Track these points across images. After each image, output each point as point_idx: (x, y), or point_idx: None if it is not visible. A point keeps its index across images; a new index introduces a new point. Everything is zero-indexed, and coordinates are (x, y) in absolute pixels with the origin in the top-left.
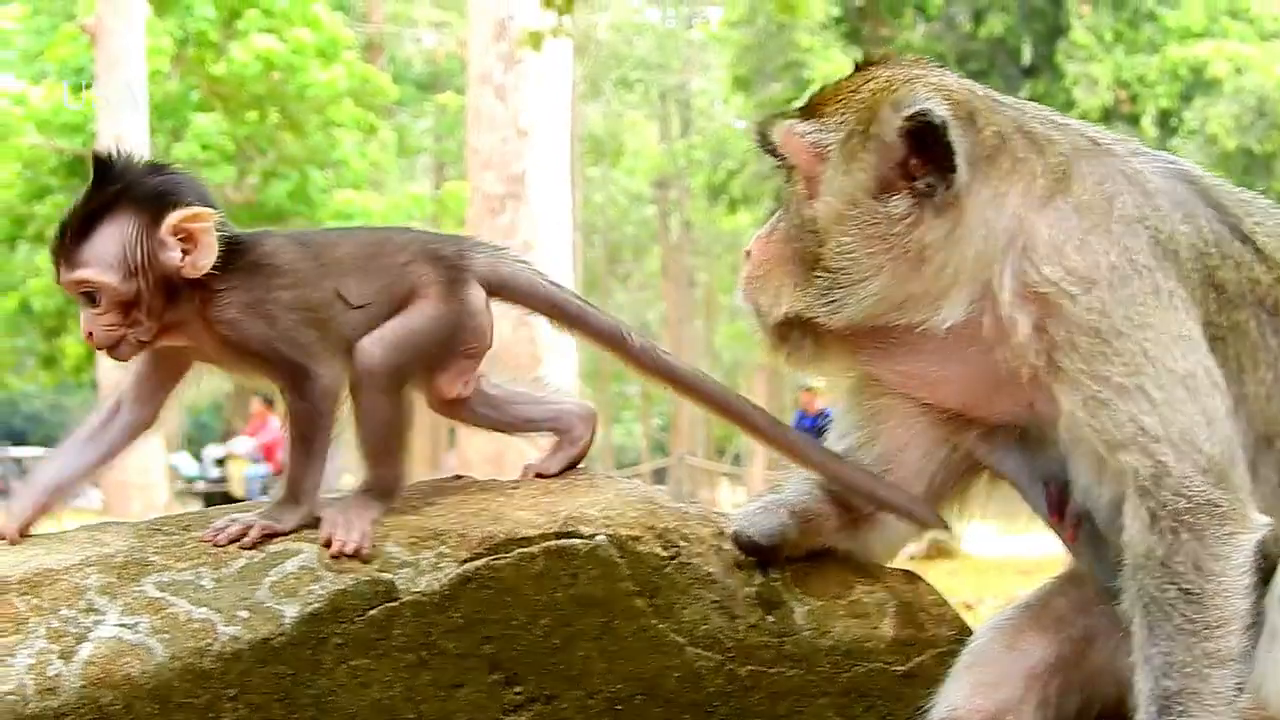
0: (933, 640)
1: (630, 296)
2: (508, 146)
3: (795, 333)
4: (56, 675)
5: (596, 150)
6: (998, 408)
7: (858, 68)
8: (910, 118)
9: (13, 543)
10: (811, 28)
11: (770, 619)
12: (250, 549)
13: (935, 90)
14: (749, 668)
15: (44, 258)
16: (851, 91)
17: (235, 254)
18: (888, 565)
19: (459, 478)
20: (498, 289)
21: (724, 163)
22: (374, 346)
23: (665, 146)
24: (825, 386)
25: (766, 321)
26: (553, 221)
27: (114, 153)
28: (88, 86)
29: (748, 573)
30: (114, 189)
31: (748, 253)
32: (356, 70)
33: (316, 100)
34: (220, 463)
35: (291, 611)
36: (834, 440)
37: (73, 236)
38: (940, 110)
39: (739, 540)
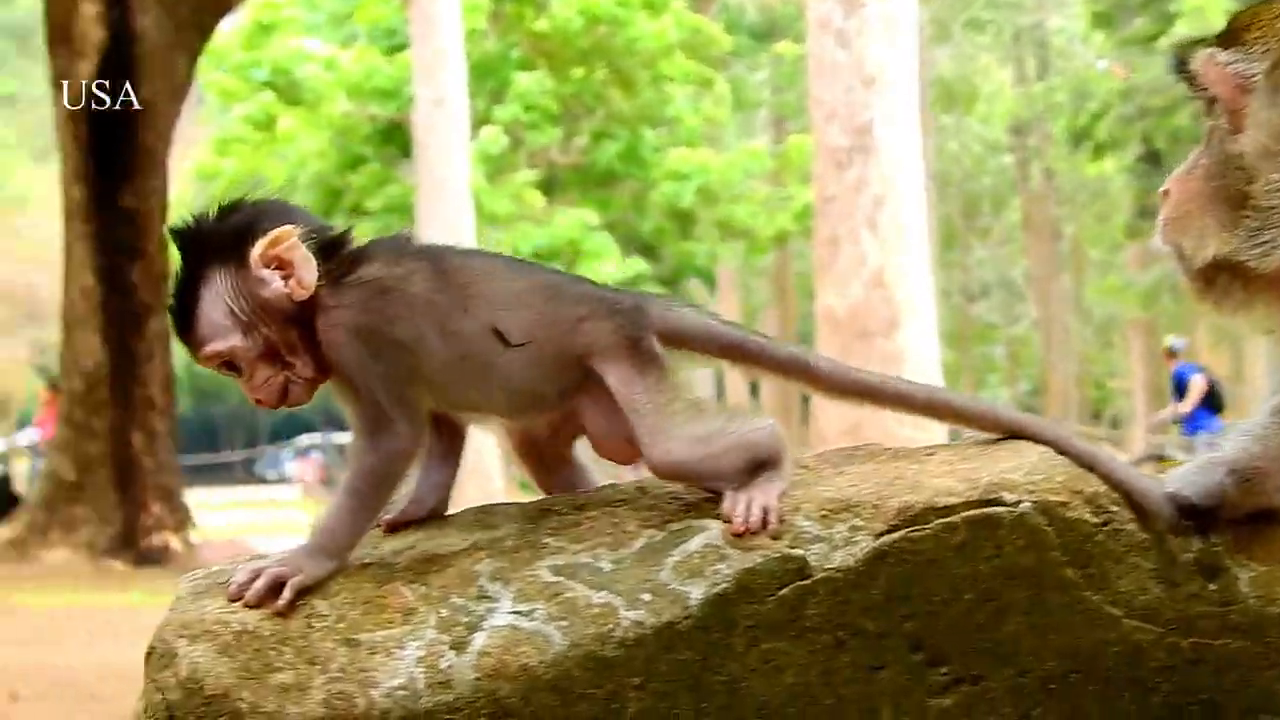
0: None
1: (990, 252)
2: (852, 96)
3: (1223, 276)
4: (449, 667)
5: (947, 97)
6: None
7: None
8: None
9: (386, 531)
10: None
11: (1212, 587)
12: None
13: None
14: (1191, 640)
15: (360, 231)
16: (1275, 17)
17: (353, 262)
18: None
19: (864, 446)
20: (674, 340)
21: (1086, 105)
22: (659, 451)
23: (1021, 90)
24: (1184, 347)
25: (1190, 265)
26: (904, 174)
27: (186, 219)
28: (401, 49)
29: (1185, 538)
30: (196, 253)
31: (1165, 192)
32: (687, 21)
33: (645, 54)
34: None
35: (697, 593)
36: (1266, 396)
37: (183, 319)
38: None
39: (1175, 502)
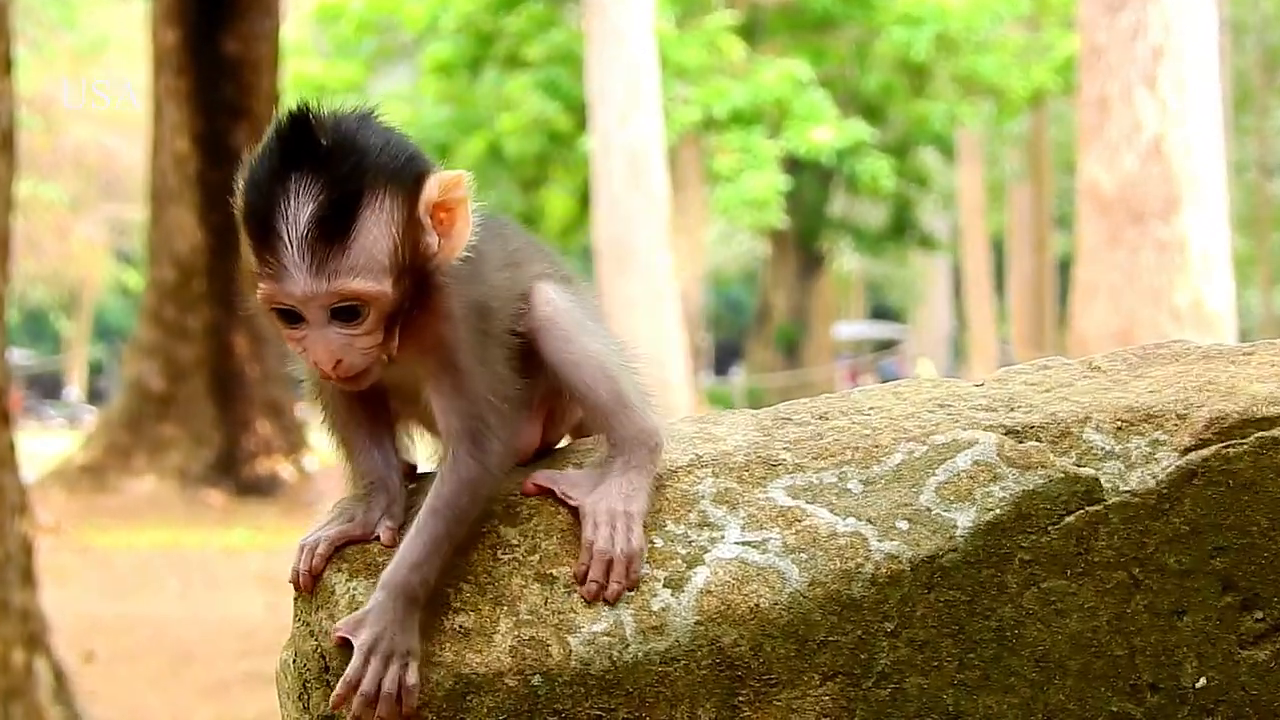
0: None
1: None
2: None
3: None
4: (663, 609)
5: None
6: None
7: None
8: None
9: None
10: None
11: None
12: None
13: None
14: None
15: (516, 86)
16: None
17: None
18: None
19: (1167, 344)
20: None
21: None
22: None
23: None
24: None
25: None
26: (1191, 20)
27: (311, 107)
28: None
29: None
30: (351, 159)
31: None
32: None
33: None
34: None
35: (965, 520)
36: None
37: (320, 233)
38: None
39: None
